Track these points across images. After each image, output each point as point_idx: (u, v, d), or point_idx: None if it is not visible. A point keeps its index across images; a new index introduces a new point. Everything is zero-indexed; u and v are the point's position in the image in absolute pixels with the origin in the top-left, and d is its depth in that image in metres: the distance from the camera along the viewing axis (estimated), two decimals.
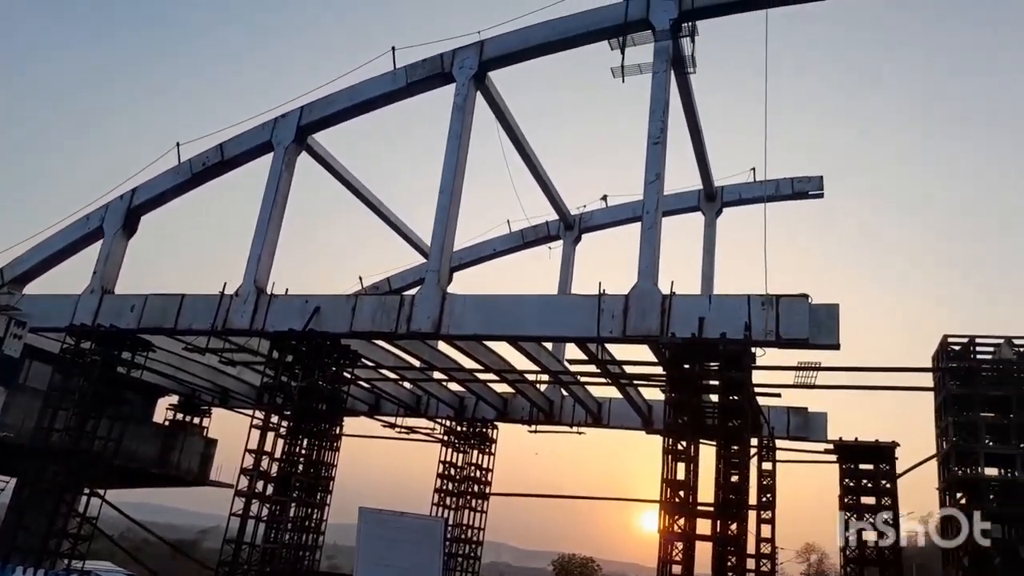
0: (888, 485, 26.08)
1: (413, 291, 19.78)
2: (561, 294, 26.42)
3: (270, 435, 19.45)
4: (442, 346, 23.20)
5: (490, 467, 32.46)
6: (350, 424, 27.90)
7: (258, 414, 19.83)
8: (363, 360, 23.36)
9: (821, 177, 27.02)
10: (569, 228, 30.18)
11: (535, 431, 30.48)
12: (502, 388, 28.64)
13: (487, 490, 32.14)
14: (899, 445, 26.13)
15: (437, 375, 27.06)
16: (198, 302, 21.61)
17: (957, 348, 22.77)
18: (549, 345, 23.32)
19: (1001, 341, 22.53)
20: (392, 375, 27.06)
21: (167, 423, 36.31)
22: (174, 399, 36.42)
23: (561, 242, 30.42)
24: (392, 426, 32.46)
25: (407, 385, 29.75)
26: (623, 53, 20.63)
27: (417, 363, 24.96)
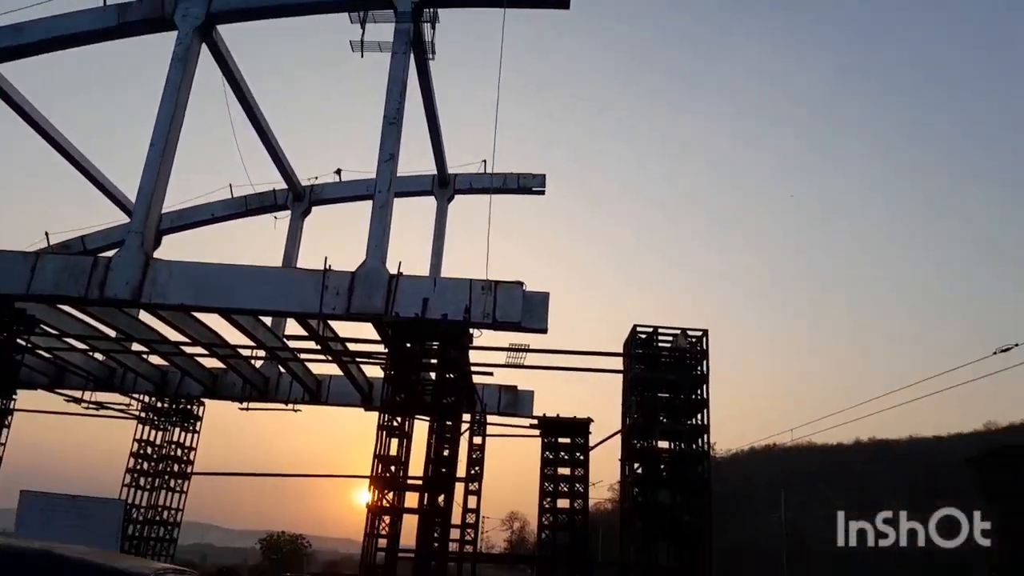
0: (582, 457, 29.03)
1: (111, 252, 17.68)
2: (284, 267, 25.36)
3: None
4: (144, 315, 21.11)
5: (193, 446, 30.40)
6: (25, 398, 24.35)
7: None
8: (43, 327, 20.50)
9: (544, 175, 28.93)
10: (299, 199, 28.99)
11: (247, 408, 29.06)
12: (212, 363, 26.84)
13: (189, 469, 30.07)
14: (592, 421, 29.16)
15: (136, 347, 24.60)
16: None
17: (643, 337, 25.68)
18: (268, 319, 22.32)
19: (678, 332, 25.87)
20: (80, 345, 24.06)
21: None
22: None
23: (289, 213, 29.17)
24: (78, 401, 28.93)
25: (99, 356, 26.66)
26: (363, 28, 20.31)
27: (112, 333, 22.48)
